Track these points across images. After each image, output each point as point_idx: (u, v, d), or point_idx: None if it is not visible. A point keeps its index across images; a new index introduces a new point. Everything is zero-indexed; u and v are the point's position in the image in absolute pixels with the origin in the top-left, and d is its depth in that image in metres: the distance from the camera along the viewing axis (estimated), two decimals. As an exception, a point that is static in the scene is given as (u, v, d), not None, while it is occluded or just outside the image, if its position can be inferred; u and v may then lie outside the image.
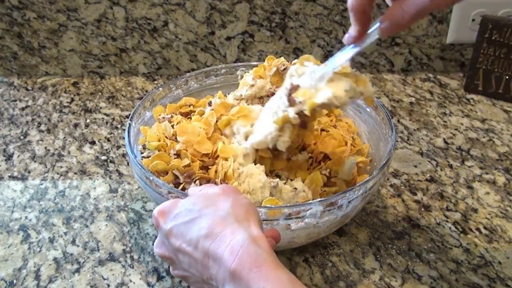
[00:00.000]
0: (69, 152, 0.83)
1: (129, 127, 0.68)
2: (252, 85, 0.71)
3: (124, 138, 0.72)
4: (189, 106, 0.75)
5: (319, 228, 0.60)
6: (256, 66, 0.75)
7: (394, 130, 0.67)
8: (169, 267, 0.58)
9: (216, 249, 0.44)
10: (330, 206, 0.58)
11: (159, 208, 0.51)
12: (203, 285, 0.48)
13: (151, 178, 0.60)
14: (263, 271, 0.42)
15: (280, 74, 0.72)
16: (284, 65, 0.72)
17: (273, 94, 0.71)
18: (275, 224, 0.57)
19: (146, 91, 1.00)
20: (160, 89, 0.77)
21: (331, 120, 0.74)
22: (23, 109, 0.94)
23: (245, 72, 0.77)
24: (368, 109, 0.74)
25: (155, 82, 1.03)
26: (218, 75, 0.81)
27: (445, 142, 0.87)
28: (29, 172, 0.79)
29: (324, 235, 0.64)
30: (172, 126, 0.69)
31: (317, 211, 0.57)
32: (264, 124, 0.62)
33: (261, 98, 0.72)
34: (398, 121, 0.92)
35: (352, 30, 0.53)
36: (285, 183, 0.63)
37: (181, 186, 0.62)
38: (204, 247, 0.45)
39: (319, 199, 0.58)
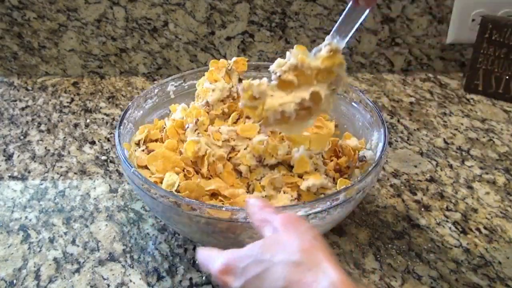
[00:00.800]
0: (69, 152, 0.83)
1: (119, 127, 0.69)
2: (214, 89, 0.72)
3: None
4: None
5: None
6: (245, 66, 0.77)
7: (387, 133, 0.67)
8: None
9: None
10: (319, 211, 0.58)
11: (219, 267, 0.46)
12: None
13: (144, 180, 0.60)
14: None
15: (228, 74, 0.74)
16: (229, 65, 0.75)
17: (237, 93, 0.73)
18: None
19: (146, 91, 1.00)
20: (156, 90, 0.77)
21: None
22: (23, 109, 0.94)
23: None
24: (368, 115, 0.73)
25: (155, 82, 1.03)
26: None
27: (445, 142, 0.87)
28: (29, 172, 0.79)
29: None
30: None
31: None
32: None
33: (223, 101, 0.74)
34: (398, 121, 0.92)
35: None
36: None
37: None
38: None
39: (308, 202, 0.59)
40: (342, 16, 0.59)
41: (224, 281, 0.45)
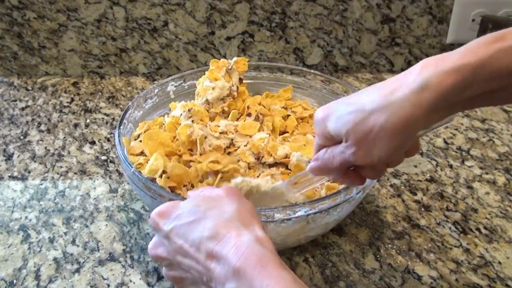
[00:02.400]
0: (69, 152, 0.83)
1: (119, 128, 0.69)
2: (214, 88, 0.73)
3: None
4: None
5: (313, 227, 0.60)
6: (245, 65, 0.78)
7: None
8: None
9: (221, 250, 0.44)
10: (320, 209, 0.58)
11: (158, 210, 0.51)
12: (200, 286, 0.48)
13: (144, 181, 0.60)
14: (267, 270, 0.42)
15: (228, 73, 0.75)
16: (230, 64, 0.75)
17: (236, 90, 0.74)
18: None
19: (146, 91, 1.00)
20: (156, 90, 0.77)
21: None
22: (23, 109, 0.94)
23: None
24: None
25: (155, 82, 1.03)
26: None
27: (445, 142, 0.87)
28: (29, 172, 0.79)
29: (322, 232, 0.65)
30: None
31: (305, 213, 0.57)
32: None
33: (223, 99, 0.74)
34: (398, 121, 0.92)
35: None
36: None
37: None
38: (208, 248, 0.45)
39: (308, 202, 0.59)
40: (304, 172, 0.60)
41: (156, 223, 0.50)
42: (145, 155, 0.67)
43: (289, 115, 0.77)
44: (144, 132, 0.70)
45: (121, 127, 0.69)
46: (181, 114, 0.69)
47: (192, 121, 0.68)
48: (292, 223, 0.57)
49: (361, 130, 0.46)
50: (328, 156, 0.51)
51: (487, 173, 0.80)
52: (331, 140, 0.51)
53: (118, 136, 0.67)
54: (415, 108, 0.43)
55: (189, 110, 0.69)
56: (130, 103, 0.73)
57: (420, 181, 0.78)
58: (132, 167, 0.62)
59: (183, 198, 0.56)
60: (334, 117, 0.49)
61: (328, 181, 0.60)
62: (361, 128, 0.46)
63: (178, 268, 0.49)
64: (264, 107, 0.77)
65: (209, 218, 0.47)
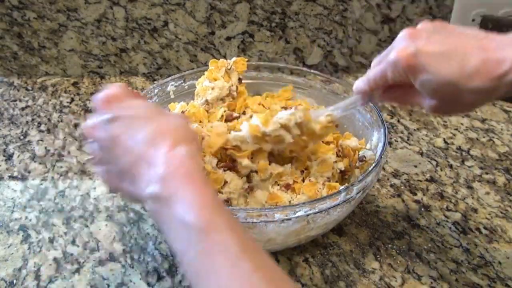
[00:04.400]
0: (69, 152, 0.83)
1: None
2: (213, 88, 0.73)
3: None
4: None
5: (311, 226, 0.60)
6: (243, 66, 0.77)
7: (387, 133, 0.67)
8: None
9: (153, 153, 0.45)
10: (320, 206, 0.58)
11: (107, 94, 0.51)
12: (124, 177, 0.47)
13: None
14: (191, 184, 0.43)
15: (228, 73, 0.75)
16: (229, 64, 0.75)
17: (235, 90, 0.74)
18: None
19: (146, 91, 1.00)
20: (156, 90, 0.77)
21: None
22: (23, 109, 0.94)
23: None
24: (368, 114, 0.73)
25: (155, 82, 1.03)
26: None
27: (445, 142, 0.87)
28: (29, 172, 0.79)
29: (322, 232, 0.64)
30: None
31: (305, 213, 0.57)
32: None
33: (222, 99, 0.74)
34: (398, 121, 0.92)
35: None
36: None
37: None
38: (143, 148, 0.46)
39: (308, 202, 0.59)
40: (346, 101, 0.64)
41: (100, 106, 0.51)
42: None
43: None
44: None
45: None
46: None
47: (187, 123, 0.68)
48: (292, 223, 0.57)
49: (450, 99, 0.49)
50: (402, 95, 0.55)
51: (487, 173, 0.80)
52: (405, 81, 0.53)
53: None
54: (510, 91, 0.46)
55: (183, 112, 0.69)
56: None
57: (420, 181, 0.78)
58: None
59: None
60: (424, 78, 0.49)
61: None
62: (451, 98, 0.49)
63: (108, 153, 0.49)
64: (264, 107, 0.77)
65: (155, 121, 0.48)
